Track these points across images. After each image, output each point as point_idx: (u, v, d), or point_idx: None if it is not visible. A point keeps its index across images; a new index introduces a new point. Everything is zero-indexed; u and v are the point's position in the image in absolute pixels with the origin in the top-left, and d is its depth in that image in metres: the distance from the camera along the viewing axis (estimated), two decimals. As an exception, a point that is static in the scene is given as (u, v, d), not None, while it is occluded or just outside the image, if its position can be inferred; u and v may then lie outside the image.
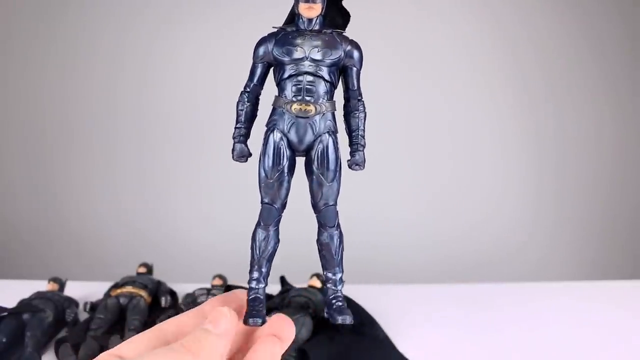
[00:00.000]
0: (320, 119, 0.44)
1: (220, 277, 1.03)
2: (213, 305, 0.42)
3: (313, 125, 0.44)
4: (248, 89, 0.47)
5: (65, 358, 0.80)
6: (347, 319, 0.44)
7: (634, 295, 1.15)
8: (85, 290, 1.03)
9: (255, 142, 0.47)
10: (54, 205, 1.85)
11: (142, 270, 1.05)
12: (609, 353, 0.90)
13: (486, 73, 1.84)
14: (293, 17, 0.46)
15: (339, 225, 0.46)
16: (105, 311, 0.89)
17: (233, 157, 0.46)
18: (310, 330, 0.84)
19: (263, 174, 0.44)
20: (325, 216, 0.45)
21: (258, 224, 0.45)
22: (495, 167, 1.90)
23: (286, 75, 0.44)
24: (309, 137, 0.44)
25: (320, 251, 0.46)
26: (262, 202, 0.45)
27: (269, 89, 0.47)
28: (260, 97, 0.47)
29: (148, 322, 0.90)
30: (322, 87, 0.44)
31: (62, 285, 0.98)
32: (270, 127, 0.45)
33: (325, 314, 0.45)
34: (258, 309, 0.42)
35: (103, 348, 0.81)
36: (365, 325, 0.92)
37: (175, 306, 0.97)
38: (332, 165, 0.44)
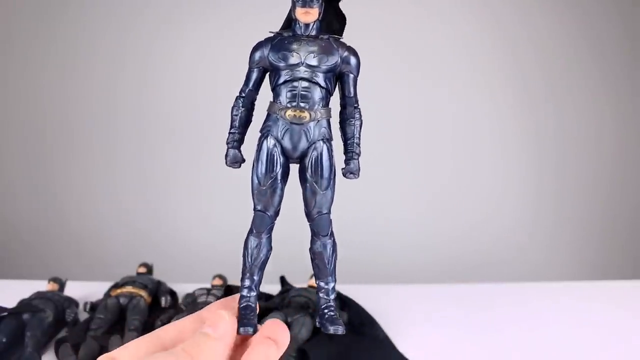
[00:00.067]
0: (314, 126, 0.44)
1: (220, 277, 1.03)
2: (211, 311, 0.42)
3: (307, 132, 0.43)
4: (243, 94, 0.46)
5: (65, 358, 0.80)
6: (339, 329, 0.43)
7: (634, 295, 1.15)
8: (85, 290, 1.03)
9: (249, 147, 0.46)
10: (54, 205, 1.85)
11: (142, 270, 1.05)
12: (609, 353, 0.90)
13: (486, 73, 1.84)
14: (290, 22, 0.46)
15: (332, 233, 0.45)
16: (105, 311, 0.89)
17: (226, 163, 0.45)
18: (310, 330, 0.85)
19: (256, 181, 0.43)
20: (319, 225, 0.45)
21: (250, 232, 0.45)
22: (495, 167, 1.90)
23: (281, 80, 0.44)
24: (303, 144, 0.44)
25: (313, 260, 0.46)
26: (254, 209, 0.44)
27: (264, 95, 0.47)
28: (255, 103, 0.47)
29: (148, 322, 0.90)
30: (317, 94, 0.44)
31: (62, 285, 0.98)
32: (264, 133, 0.44)
33: (317, 323, 0.45)
34: (249, 318, 0.41)
35: (103, 348, 0.81)
36: (365, 325, 0.92)
37: (175, 306, 0.97)
38: (326, 173, 0.44)
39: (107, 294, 0.95)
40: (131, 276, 1.01)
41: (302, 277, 1.01)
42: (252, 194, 0.44)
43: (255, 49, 0.45)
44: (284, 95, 0.43)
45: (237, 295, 0.44)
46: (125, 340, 0.82)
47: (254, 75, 0.46)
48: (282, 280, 1.03)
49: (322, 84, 0.44)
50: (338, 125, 0.47)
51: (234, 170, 0.46)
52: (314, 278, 0.99)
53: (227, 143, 0.45)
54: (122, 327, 0.88)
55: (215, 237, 1.76)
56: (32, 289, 0.96)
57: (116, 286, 0.97)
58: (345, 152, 0.47)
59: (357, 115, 0.47)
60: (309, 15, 0.44)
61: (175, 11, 1.76)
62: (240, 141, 0.46)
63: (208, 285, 1.02)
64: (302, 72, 0.43)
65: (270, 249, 0.45)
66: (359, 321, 0.93)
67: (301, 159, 0.44)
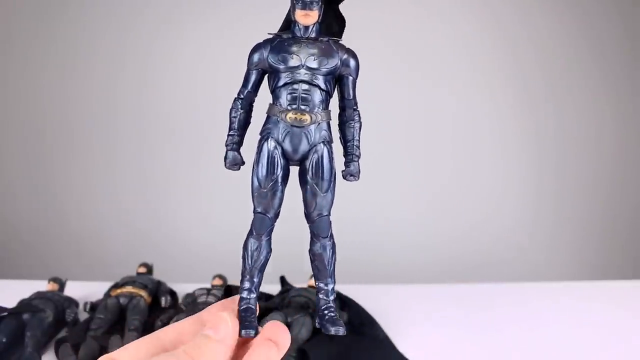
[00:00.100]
0: (315, 129, 0.43)
1: (220, 277, 1.04)
2: (211, 313, 0.41)
3: (308, 135, 0.43)
4: (242, 96, 0.46)
5: (65, 358, 0.80)
6: (340, 330, 0.43)
7: (634, 295, 1.15)
8: (85, 290, 1.03)
9: (247, 149, 0.46)
10: (54, 205, 1.85)
11: (142, 270, 1.05)
12: (609, 353, 0.90)
13: (486, 73, 1.84)
14: (288, 23, 0.45)
15: (332, 235, 0.45)
16: (105, 311, 0.89)
17: (225, 165, 0.45)
18: (310, 330, 0.84)
19: (256, 183, 0.43)
20: (319, 227, 0.45)
21: (250, 234, 0.44)
22: (495, 167, 1.90)
23: (281, 83, 0.43)
24: (303, 147, 0.44)
25: (312, 261, 0.46)
26: (254, 211, 0.44)
27: (260, 96, 0.46)
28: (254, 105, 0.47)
29: (148, 322, 0.90)
30: (317, 96, 0.43)
31: (62, 285, 0.98)
32: (265, 135, 0.44)
33: (317, 324, 0.45)
34: (250, 320, 0.41)
35: (103, 348, 0.81)
36: (365, 325, 0.92)
37: (175, 306, 0.97)
38: (326, 176, 0.44)
39: (107, 294, 0.95)
40: (131, 276, 1.01)
41: (302, 277, 1.01)
42: (252, 196, 0.44)
43: (254, 50, 0.45)
44: (284, 97, 0.43)
45: (237, 297, 0.44)
46: (125, 340, 0.82)
47: (253, 77, 0.45)
48: (282, 280, 1.03)
49: (323, 86, 0.44)
50: (337, 128, 0.47)
51: (234, 171, 0.46)
52: (313, 278, 0.99)
53: (226, 145, 0.45)
54: (122, 327, 0.88)
55: (215, 237, 1.76)
56: (32, 289, 0.95)
57: (116, 286, 0.97)
58: (345, 154, 0.47)
59: (357, 118, 0.47)
60: (308, 18, 0.43)
61: (175, 11, 1.76)
62: (240, 143, 0.46)
63: (208, 285, 1.02)
64: (303, 74, 0.43)
65: (270, 251, 0.45)
66: (359, 321, 0.93)
67: (301, 161, 0.44)
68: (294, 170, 0.45)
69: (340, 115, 0.47)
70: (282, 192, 0.44)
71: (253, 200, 0.44)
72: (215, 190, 1.81)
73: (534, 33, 1.83)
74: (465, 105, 1.84)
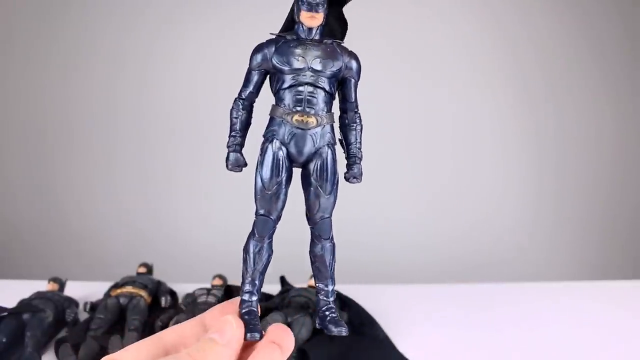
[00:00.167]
0: (320, 131, 0.43)
1: (220, 277, 1.03)
2: (213, 315, 0.41)
3: (314, 137, 0.43)
4: (243, 96, 0.45)
5: (65, 358, 0.80)
6: (342, 331, 0.43)
7: (634, 295, 1.15)
8: (85, 290, 1.03)
9: (247, 150, 0.46)
10: (54, 205, 1.85)
11: (142, 270, 1.05)
12: (609, 353, 0.90)
13: (486, 73, 1.84)
14: (290, 23, 0.45)
15: (332, 237, 0.45)
16: (105, 311, 0.89)
17: (227, 167, 0.45)
18: (310, 330, 0.84)
19: (260, 185, 0.43)
20: (321, 228, 0.45)
21: (252, 235, 0.44)
22: (495, 167, 1.90)
23: (286, 85, 0.43)
24: (308, 149, 0.43)
25: (313, 263, 0.46)
26: (257, 213, 0.43)
27: (260, 97, 0.46)
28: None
29: (148, 322, 0.90)
30: (322, 99, 0.43)
31: (62, 285, 0.98)
32: (269, 137, 0.43)
33: (318, 325, 0.44)
34: (254, 323, 0.41)
35: (103, 348, 0.81)
36: (365, 325, 0.92)
37: (175, 306, 0.97)
38: (330, 178, 0.44)
39: (107, 294, 0.95)
40: (131, 276, 1.01)
41: (302, 278, 1.01)
42: (255, 198, 0.43)
43: (257, 50, 0.44)
44: (289, 99, 0.43)
45: (237, 299, 0.43)
46: (125, 340, 0.82)
47: (255, 78, 0.45)
48: (282, 280, 1.03)
49: (327, 88, 0.44)
50: (338, 130, 0.47)
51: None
52: (313, 279, 0.99)
53: (228, 146, 0.45)
54: (122, 327, 0.88)
55: (215, 237, 1.76)
56: (32, 289, 0.96)
57: (116, 286, 0.97)
58: (348, 156, 0.47)
59: (358, 121, 0.47)
60: (314, 20, 0.43)
61: (176, 11, 1.76)
62: (242, 144, 0.45)
63: (208, 285, 1.02)
64: (308, 76, 0.43)
65: (271, 253, 0.44)
66: (359, 321, 0.93)
67: (305, 164, 0.44)
68: (296, 172, 0.45)
69: (341, 118, 0.47)
70: (286, 194, 0.44)
71: (256, 202, 0.43)
72: (216, 191, 1.81)
73: (534, 33, 1.83)
74: (465, 106, 1.84)
